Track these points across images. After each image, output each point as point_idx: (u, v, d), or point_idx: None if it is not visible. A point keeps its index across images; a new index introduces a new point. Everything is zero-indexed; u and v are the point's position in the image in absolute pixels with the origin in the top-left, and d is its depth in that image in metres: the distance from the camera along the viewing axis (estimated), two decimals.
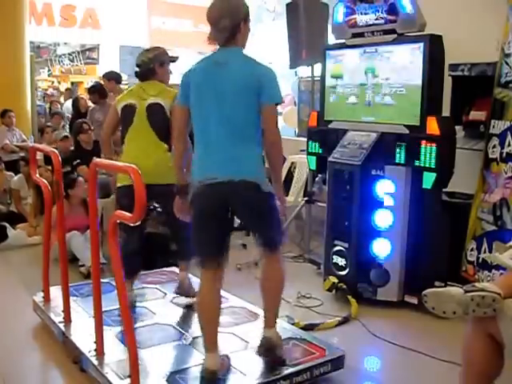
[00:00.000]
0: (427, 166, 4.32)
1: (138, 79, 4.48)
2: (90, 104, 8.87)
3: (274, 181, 3.34)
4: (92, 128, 7.13)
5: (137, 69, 4.42)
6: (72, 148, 7.18)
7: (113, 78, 8.71)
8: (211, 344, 3.21)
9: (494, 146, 4.50)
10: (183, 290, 4.39)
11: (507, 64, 4.43)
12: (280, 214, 3.36)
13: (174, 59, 4.56)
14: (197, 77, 3.27)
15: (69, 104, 12.64)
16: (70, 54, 19.93)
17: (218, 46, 3.30)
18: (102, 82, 8.73)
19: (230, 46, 3.25)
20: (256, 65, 3.24)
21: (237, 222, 7.33)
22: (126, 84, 13.02)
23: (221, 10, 3.23)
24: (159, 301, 4.41)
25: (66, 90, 14.80)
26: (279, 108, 11.62)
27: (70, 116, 10.72)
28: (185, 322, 3.92)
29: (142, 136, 4.25)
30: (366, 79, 4.77)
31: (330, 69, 5.11)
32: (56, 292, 4.17)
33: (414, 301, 4.46)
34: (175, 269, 5.10)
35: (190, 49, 16.11)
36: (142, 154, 4.13)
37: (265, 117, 3.17)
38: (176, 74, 5.20)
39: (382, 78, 4.64)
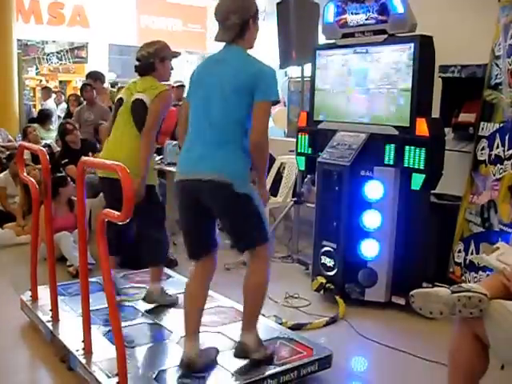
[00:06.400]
0: (416, 167, 4.32)
1: (137, 74, 4.36)
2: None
3: (257, 180, 3.33)
4: (77, 127, 7.09)
5: (136, 63, 4.30)
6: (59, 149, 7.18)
7: (98, 77, 8.70)
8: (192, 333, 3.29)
9: (483, 148, 4.53)
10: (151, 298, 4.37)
11: (497, 66, 4.46)
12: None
13: (176, 54, 4.43)
14: (196, 74, 3.36)
15: (50, 103, 12.54)
16: (58, 53, 19.81)
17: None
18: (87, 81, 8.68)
19: (233, 45, 3.24)
20: (255, 62, 3.20)
21: None
22: (116, 83, 12.98)
23: (230, 6, 3.21)
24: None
25: (44, 88, 14.23)
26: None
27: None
28: (172, 321, 3.91)
29: (120, 129, 4.26)
30: (355, 79, 4.78)
31: (319, 69, 5.11)
32: (44, 291, 4.14)
33: (402, 301, 4.47)
34: (164, 269, 5.09)
35: (180, 48, 16.12)
36: (116, 145, 4.18)
37: (253, 114, 3.12)
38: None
39: (372, 79, 4.64)
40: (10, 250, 6.18)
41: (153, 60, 4.22)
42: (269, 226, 3.41)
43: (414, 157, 4.32)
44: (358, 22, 4.67)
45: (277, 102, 3.25)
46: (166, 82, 4.52)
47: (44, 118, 10.03)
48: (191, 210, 3.28)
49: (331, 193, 4.73)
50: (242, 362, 3.34)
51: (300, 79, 6.46)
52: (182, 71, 16.44)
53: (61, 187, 5.83)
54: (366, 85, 4.70)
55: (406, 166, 4.40)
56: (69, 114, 9.03)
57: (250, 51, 3.30)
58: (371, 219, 4.60)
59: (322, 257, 4.83)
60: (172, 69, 4.40)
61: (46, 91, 13.48)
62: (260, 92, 3.10)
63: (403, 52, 4.37)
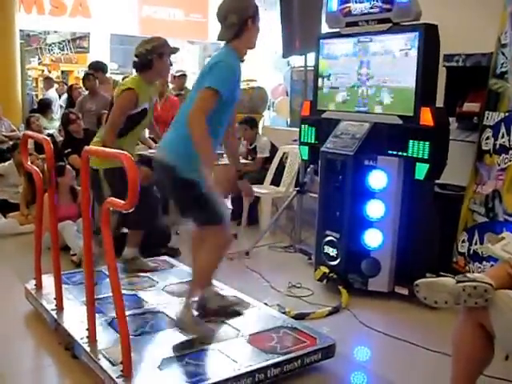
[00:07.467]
0: (420, 156, 4.30)
1: (135, 70, 4.44)
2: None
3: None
4: (80, 117, 7.10)
5: (135, 59, 4.37)
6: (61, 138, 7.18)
7: (100, 67, 8.69)
8: None
9: (488, 138, 4.50)
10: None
11: (503, 54, 4.42)
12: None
13: (174, 51, 4.47)
14: None
15: (52, 93, 12.51)
16: (60, 43, 19.75)
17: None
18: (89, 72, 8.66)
19: (227, 45, 3.43)
20: (220, 57, 3.39)
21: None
22: (117, 74, 12.95)
23: (229, 6, 3.39)
24: (151, 289, 4.39)
25: (45, 78, 14.21)
26: (271, 98, 11.50)
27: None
28: (176, 309, 3.91)
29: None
30: (359, 68, 4.75)
31: (323, 58, 5.08)
32: (48, 280, 4.14)
33: (405, 292, 4.47)
34: (167, 258, 5.11)
35: (181, 38, 16.06)
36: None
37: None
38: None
39: (376, 68, 4.61)
40: (13, 239, 6.18)
41: (150, 57, 4.28)
42: (223, 209, 3.47)
43: (418, 146, 4.30)
44: (362, 11, 4.64)
45: (215, 91, 3.24)
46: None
47: (44, 107, 10.04)
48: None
49: (334, 182, 4.71)
50: (246, 351, 3.36)
51: (303, 69, 6.45)
52: (183, 61, 16.47)
53: (59, 176, 5.78)
54: (369, 74, 4.67)
55: (409, 155, 4.38)
56: (71, 104, 9.01)
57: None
58: (375, 209, 4.58)
59: (325, 246, 4.83)
60: (171, 65, 4.46)
61: (48, 81, 13.47)
62: (206, 80, 3.29)
63: (408, 41, 4.35)
